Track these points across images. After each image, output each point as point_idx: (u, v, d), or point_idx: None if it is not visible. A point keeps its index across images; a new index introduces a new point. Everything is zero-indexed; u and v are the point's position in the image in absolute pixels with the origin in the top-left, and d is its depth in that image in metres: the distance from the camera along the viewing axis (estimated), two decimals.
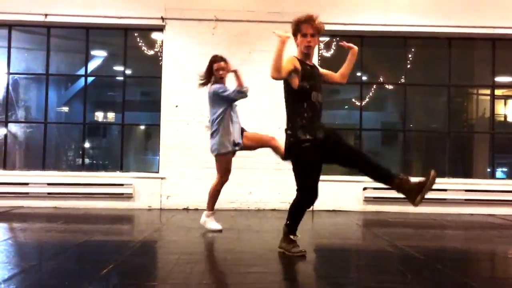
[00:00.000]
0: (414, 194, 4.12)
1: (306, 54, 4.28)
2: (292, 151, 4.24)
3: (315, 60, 8.16)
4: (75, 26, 8.53)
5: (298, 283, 3.49)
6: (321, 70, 4.51)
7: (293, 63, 4.13)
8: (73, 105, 10.03)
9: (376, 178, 4.24)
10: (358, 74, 8.85)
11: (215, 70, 5.59)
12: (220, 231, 5.57)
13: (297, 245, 4.31)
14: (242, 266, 3.95)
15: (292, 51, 4.35)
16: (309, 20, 4.24)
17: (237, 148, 5.59)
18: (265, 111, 8.18)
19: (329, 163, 4.37)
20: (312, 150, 4.14)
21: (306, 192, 4.27)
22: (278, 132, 8.21)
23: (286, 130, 4.28)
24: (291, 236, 4.32)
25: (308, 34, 4.22)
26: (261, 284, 3.47)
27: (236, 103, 5.64)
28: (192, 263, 3.92)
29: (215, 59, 5.64)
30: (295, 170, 4.27)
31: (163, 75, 8.43)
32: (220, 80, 5.61)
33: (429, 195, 8.64)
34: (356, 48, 4.53)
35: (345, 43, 4.53)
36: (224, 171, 5.56)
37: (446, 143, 8.87)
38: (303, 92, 4.16)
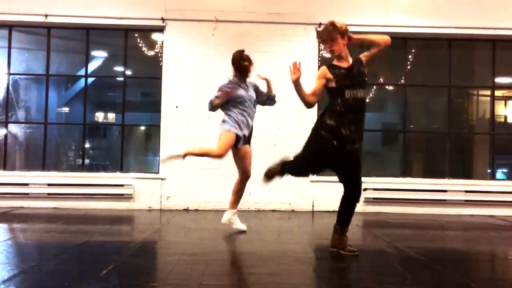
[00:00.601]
0: (337, 245, 4.47)
1: (338, 57, 4.47)
2: (313, 131, 4.45)
3: (313, 62, 8.25)
4: (75, 26, 8.53)
5: (298, 284, 3.49)
6: (364, 59, 4.58)
7: (323, 77, 4.40)
8: (73, 106, 10.03)
9: (342, 211, 4.50)
10: None
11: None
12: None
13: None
14: (242, 267, 3.95)
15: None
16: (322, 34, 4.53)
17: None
18: (265, 112, 8.16)
19: (332, 168, 4.49)
20: (329, 141, 4.28)
21: (295, 165, 4.49)
22: (278, 133, 8.27)
23: (317, 119, 4.52)
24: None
25: (326, 45, 4.50)
26: (260, 285, 3.47)
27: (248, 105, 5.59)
28: (192, 264, 3.92)
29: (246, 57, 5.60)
30: (304, 146, 4.45)
31: (163, 76, 8.43)
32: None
33: (430, 195, 8.69)
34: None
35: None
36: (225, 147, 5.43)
37: (446, 144, 8.87)
38: (337, 91, 4.37)
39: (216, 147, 5.41)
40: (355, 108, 4.37)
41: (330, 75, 4.38)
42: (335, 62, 4.50)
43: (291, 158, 4.54)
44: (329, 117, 4.35)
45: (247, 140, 5.60)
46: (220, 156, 5.43)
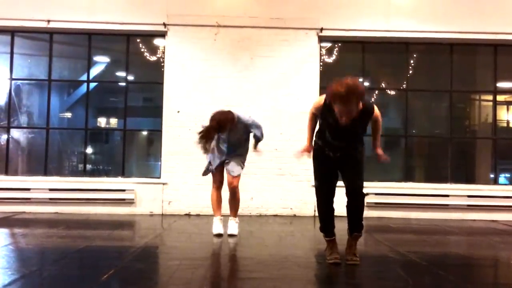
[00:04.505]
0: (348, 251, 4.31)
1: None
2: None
3: (314, 67, 8.25)
4: (77, 32, 8.56)
5: None
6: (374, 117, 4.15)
7: (315, 109, 4.19)
8: (75, 111, 10.05)
9: (348, 218, 4.39)
10: (360, 80, 8.84)
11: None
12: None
13: (333, 250, 4.27)
14: (243, 272, 3.94)
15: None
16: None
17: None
18: (266, 117, 8.16)
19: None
20: (322, 151, 4.21)
21: (316, 190, 4.32)
22: (279, 138, 8.26)
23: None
24: (325, 238, 4.36)
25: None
26: None
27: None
28: (193, 268, 3.91)
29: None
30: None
31: (165, 81, 8.44)
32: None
33: (432, 200, 8.66)
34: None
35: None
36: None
37: (448, 148, 8.85)
38: (321, 127, 4.23)
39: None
40: (338, 142, 4.14)
41: (318, 113, 4.13)
42: (335, 107, 3.83)
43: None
44: (317, 137, 4.27)
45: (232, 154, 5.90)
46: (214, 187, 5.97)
